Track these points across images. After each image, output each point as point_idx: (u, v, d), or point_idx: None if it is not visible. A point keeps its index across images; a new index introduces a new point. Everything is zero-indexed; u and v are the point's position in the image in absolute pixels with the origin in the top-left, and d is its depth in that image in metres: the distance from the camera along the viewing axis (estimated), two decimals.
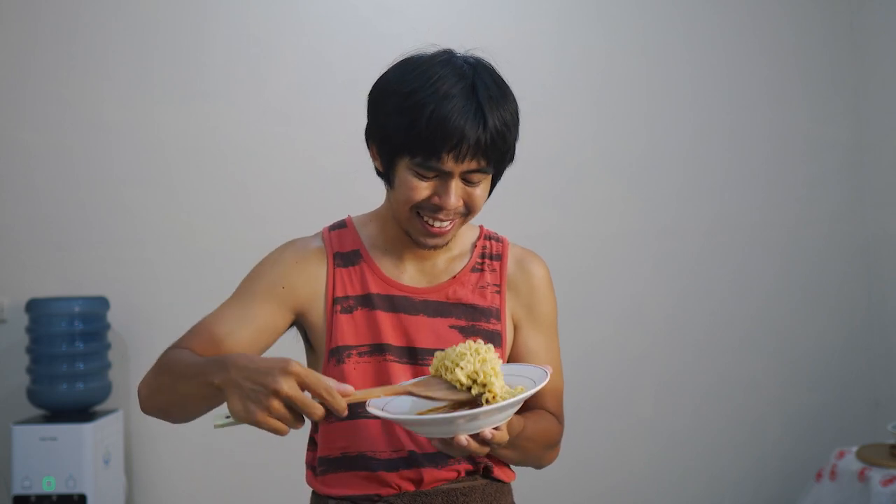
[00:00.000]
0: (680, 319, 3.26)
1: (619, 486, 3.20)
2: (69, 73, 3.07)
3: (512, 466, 1.39)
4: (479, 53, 1.29)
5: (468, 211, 1.26)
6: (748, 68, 3.32)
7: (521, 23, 3.23)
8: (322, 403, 1.04)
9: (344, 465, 1.30)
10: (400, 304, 1.30)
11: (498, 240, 1.41)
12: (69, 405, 2.80)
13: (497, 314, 1.34)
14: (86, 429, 2.71)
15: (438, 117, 1.17)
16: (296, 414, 1.04)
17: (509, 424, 1.16)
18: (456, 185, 1.22)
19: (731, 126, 3.30)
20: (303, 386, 1.02)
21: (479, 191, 1.25)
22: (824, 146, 3.34)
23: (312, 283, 1.32)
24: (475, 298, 1.33)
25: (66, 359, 2.80)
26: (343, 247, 1.34)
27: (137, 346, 3.07)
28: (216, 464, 3.07)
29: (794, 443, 3.30)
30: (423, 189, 1.22)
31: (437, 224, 1.25)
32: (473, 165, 1.21)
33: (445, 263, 1.35)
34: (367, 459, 1.28)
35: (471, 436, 1.06)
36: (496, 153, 1.21)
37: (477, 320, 1.32)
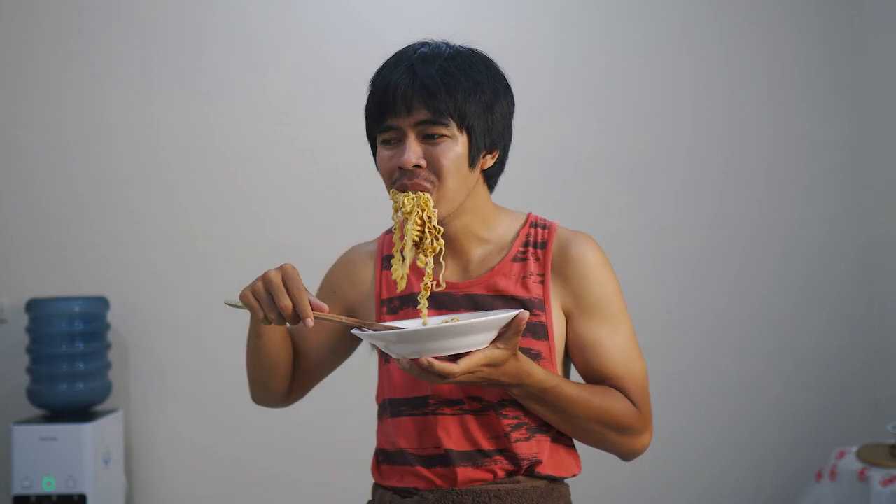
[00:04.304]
0: (680, 319, 3.26)
1: (619, 486, 3.20)
2: (69, 73, 3.07)
3: (580, 461, 1.36)
4: (470, 45, 1.33)
5: (435, 174, 1.23)
6: (748, 68, 3.31)
7: (521, 23, 3.23)
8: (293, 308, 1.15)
9: (391, 459, 1.34)
10: (442, 300, 1.31)
11: (545, 226, 1.36)
12: (69, 405, 2.80)
13: (541, 305, 1.30)
14: (86, 429, 2.71)
15: (377, 83, 1.27)
16: (272, 302, 1.15)
17: (528, 373, 1.19)
18: (411, 142, 1.23)
19: (731, 126, 3.30)
20: (285, 280, 1.15)
21: (442, 150, 1.23)
22: (824, 146, 3.34)
23: (361, 286, 1.39)
24: (518, 290, 1.30)
25: (66, 359, 2.80)
26: (392, 248, 1.35)
27: (137, 346, 3.07)
28: (216, 464, 3.07)
29: (794, 443, 3.30)
30: (387, 157, 1.26)
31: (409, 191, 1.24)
32: (421, 116, 1.22)
33: (481, 255, 1.33)
34: (405, 455, 1.31)
35: (414, 363, 1.11)
36: (434, 101, 1.22)
37: None
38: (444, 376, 1.12)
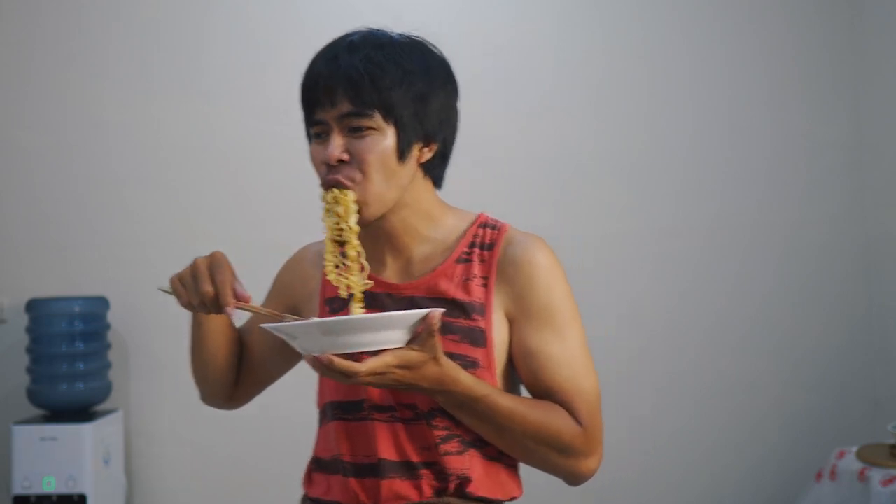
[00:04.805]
0: (680, 319, 3.26)
1: (619, 486, 3.20)
2: (69, 73, 3.07)
3: (522, 483, 1.28)
4: (413, 33, 1.31)
5: (359, 170, 1.17)
6: (748, 68, 3.31)
7: (521, 23, 3.23)
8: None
9: (325, 467, 1.27)
10: (381, 301, 1.23)
11: (494, 227, 1.26)
12: (69, 405, 2.80)
13: (482, 309, 1.20)
14: (86, 429, 2.71)
15: (305, 74, 1.23)
16: (196, 288, 1.14)
17: (454, 380, 1.11)
18: (334, 136, 1.18)
19: (731, 126, 3.30)
20: (211, 266, 1.15)
21: (367, 144, 1.17)
22: (824, 146, 3.34)
23: (308, 284, 1.34)
24: (459, 293, 1.21)
25: (66, 359, 2.80)
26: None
27: (137, 346, 3.07)
28: (216, 464, 3.07)
29: (794, 443, 3.29)
30: (316, 152, 1.21)
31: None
32: (344, 109, 1.16)
33: (423, 256, 1.25)
34: (339, 463, 1.23)
35: (317, 359, 1.04)
36: (357, 92, 1.16)
37: (455, 317, 1.19)
38: (347, 375, 1.04)
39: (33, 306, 2.84)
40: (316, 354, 1.04)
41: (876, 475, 2.50)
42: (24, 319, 2.89)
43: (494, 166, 3.14)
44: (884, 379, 3.30)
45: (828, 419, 3.31)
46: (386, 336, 1.05)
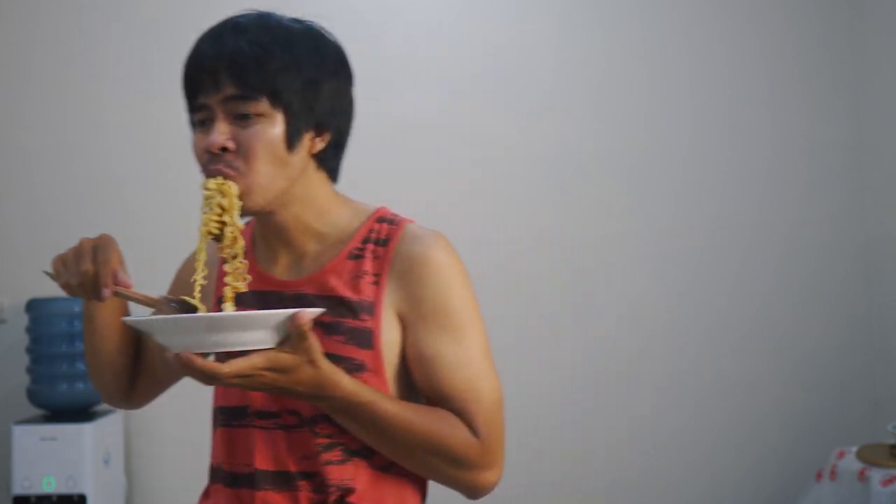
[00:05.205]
0: (680, 319, 3.26)
1: (619, 486, 3.20)
2: (69, 73, 3.07)
3: (421, 496, 1.19)
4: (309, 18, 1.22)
5: (244, 159, 1.09)
6: (748, 68, 3.31)
7: (521, 23, 3.23)
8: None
9: (213, 476, 1.24)
10: (271, 300, 1.16)
11: (392, 222, 1.18)
12: (69, 405, 2.80)
13: (371, 309, 1.12)
14: (86, 429, 2.70)
15: (187, 57, 1.16)
16: (77, 267, 1.07)
17: (334, 384, 1.03)
18: (219, 122, 1.10)
19: (731, 126, 3.30)
20: (96, 247, 1.08)
21: (254, 132, 1.09)
22: (824, 146, 3.34)
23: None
24: (347, 291, 1.13)
25: (66, 359, 2.80)
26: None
27: None
28: None
29: (794, 443, 3.30)
30: (199, 140, 1.12)
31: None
32: (229, 92, 1.09)
33: (316, 250, 1.17)
34: (221, 472, 1.20)
35: (177, 357, 0.97)
36: (242, 75, 1.09)
37: (343, 316, 1.12)
38: (210, 377, 0.97)
39: (33, 306, 2.84)
40: (177, 352, 0.98)
41: (876, 475, 2.50)
42: (24, 319, 2.90)
43: (494, 166, 3.14)
44: (884, 379, 3.30)
45: (828, 419, 3.31)
46: (249, 336, 0.98)
